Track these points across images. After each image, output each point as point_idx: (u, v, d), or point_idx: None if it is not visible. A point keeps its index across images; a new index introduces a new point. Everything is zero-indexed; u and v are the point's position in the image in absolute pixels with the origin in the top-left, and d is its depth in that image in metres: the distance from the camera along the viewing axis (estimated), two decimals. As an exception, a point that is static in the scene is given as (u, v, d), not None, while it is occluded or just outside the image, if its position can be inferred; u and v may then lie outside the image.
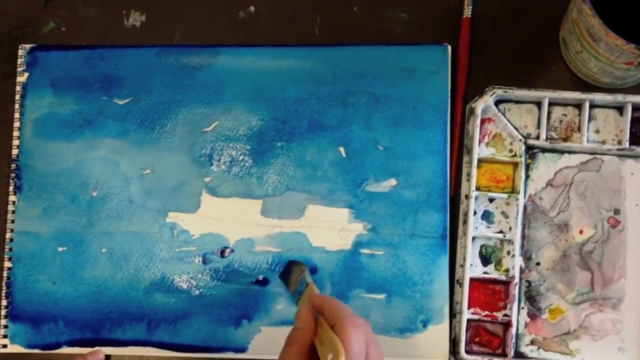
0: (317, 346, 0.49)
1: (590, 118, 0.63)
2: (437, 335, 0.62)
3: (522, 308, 0.63)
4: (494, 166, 0.64)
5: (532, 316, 0.62)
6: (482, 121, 0.63)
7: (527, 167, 0.64)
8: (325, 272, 0.64)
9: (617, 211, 0.63)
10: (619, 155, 0.63)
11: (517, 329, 0.62)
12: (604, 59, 0.58)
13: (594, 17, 0.54)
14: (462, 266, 0.62)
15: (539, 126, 0.64)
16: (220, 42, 0.67)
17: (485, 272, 0.63)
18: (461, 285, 0.62)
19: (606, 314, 0.62)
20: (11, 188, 0.66)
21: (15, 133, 0.67)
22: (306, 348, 0.49)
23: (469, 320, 0.62)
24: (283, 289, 0.62)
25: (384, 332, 0.63)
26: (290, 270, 0.59)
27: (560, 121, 0.64)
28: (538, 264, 0.63)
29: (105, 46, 0.68)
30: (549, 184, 0.63)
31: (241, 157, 0.65)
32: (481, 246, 0.63)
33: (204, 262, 0.64)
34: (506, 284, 0.63)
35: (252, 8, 0.68)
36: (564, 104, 0.64)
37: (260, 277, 0.64)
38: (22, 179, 0.66)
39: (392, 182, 0.64)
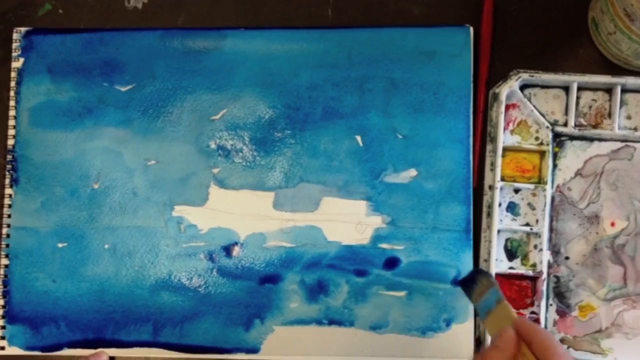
0: None
1: (622, 103, 0.61)
2: (461, 335, 0.60)
3: (551, 305, 0.60)
4: (520, 155, 0.62)
5: (561, 314, 0.60)
6: (507, 107, 0.61)
7: (555, 156, 0.61)
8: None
9: (650, 202, 0.61)
10: (652, 143, 0.61)
11: (546, 327, 0.60)
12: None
13: (634, -6, 0.51)
14: (487, 261, 0.60)
15: (567, 112, 0.61)
16: (227, 25, 0.65)
17: (511, 268, 0.61)
18: None
19: (640, 311, 0.60)
20: (7, 181, 0.64)
21: (11, 122, 0.64)
22: None
23: None
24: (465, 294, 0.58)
25: (405, 331, 0.61)
26: (476, 280, 0.55)
27: (590, 107, 0.62)
28: (567, 258, 0.61)
29: (105, 29, 0.65)
30: (578, 173, 0.61)
31: (251, 147, 0.63)
32: (506, 240, 0.61)
33: (213, 258, 0.62)
34: (533, 279, 0.60)
35: (261, -12, 0.65)
36: (594, 88, 0.61)
37: (273, 274, 0.62)
38: (19, 171, 0.64)
39: (412, 172, 0.62)
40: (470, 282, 0.56)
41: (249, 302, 0.61)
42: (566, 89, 0.61)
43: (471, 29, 0.62)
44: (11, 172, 0.64)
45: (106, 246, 0.63)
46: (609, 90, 0.61)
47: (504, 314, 0.51)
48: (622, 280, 0.60)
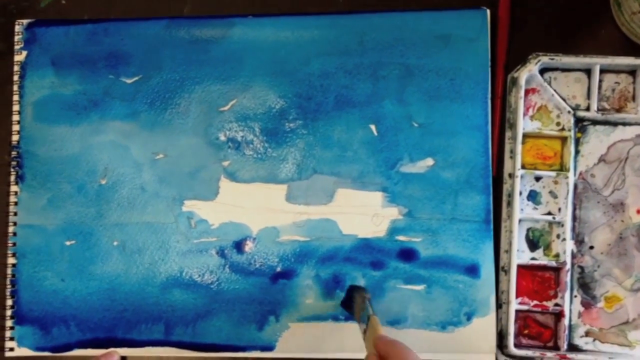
0: None
1: (646, 86, 0.59)
2: (482, 329, 0.59)
3: (575, 296, 0.59)
4: (540, 141, 0.60)
5: (586, 305, 0.59)
6: (526, 92, 0.59)
7: (577, 142, 0.59)
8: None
9: (678, 188, 0.59)
10: (679, 127, 0.59)
11: (570, 320, 0.58)
12: (666, 18, 0.53)
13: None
14: (508, 252, 0.59)
15: (589, 96, 0.60)
16: (235, 12, 0.63)
17: (533, 258, 0.59)
18: (507, 272, 0.58)
19: (668, 301, 0.58)
20: (12, 178, 0.63)
21: (15, 117, 0.63)
22: None
23: (516, 311, 0.58)
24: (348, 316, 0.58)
25: (424, 326, 0.59)
26: (352, 297, 0.55)
27: (613, 90, 0.60)
28: (591, 247, 0.59)
29: (109, 19, 0.64)
30: (602, 159, 0.59)
31: (262, 138, 0.61)
32: (528, 229, 0.60)
33: (225, 254, 0.61)
34: (557, 270, 0.59)
35: (269, -26, 0.64)
36: (617, 70, 0.60)
37: (287, 269, 0.60)
38: (24, 168, 0.62)
39: (429, 161, 0.60)
40: (349, 301, 0.56)
41: (263, 299, 0.60)
42: (588, 71, 0.59)
43: (488, 11, 0.60)
44: (16, 168, 0.62)
45: (115, 243, 0.61)
46: (632, 72, 0.59)
47: (374, 328, 0.50)
48: (649, 270, 0.58)
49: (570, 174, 0.59)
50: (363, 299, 0.53)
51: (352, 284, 0.59)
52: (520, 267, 0.59)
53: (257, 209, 0.61)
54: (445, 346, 0.58)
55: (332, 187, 0.60)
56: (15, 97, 0.63)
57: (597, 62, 0.58)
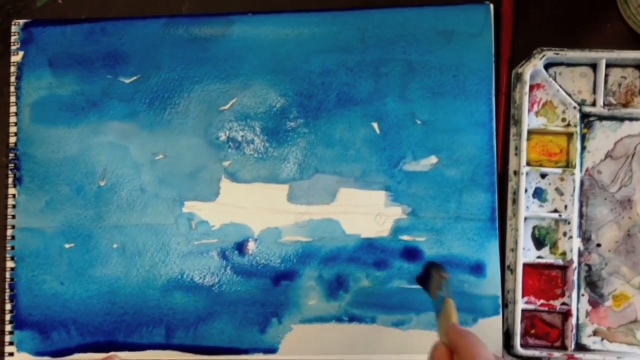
0: None
1: (654, 80, 0.59)
2: (488, 329, 0.58)
3: (583, 295, 0.58)
4: (546, 138, 0.59)
5: (594, 304, 0.58)
6: (531, 88, 0.59)
7: (583, 138, 0.59)
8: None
9: (686, 184, 0.58)
10: (687, 121, 0.58)
11: (578, 319, 0.58)
12: (673, 11, 0.52)
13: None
14: (514, 251, 0.58)
15: (595, 91, 0.59)
16: (235, 10, 0.62)
17: (540, 257, 0.58)
18: (513, 272, 0.58)
19: (678, 300, 0.57)
20: (10, 180, 0.62)
21: (13, 119, 0.63)
22: None
23: (523, 311, 0.57)
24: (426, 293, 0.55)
25: (429, 327, 0.58)
26: (429, 274, 0.52)
27: (620, 85, 0.59)
28: (599, 245, 0.58)
29: (107, 19, 0.63)
30: (609, 155, 0.59)
31: (263, 138, 0.61)
32: (534, 228, 0.59)
33: (226, 255, 0.60)
34: (564, 269, 0.58)
35: (268, -29, 0.63)
36: (624, 65, 0.59)
37: (290, 271, 0.59)
38: (22, 170, 0.62)
39: (433, 160, 0.59)
40: (426, 277, 0.54)
41: (266, 301, 0.59)
42: (594, 66, 0.59)
43: (491, 6, 0.60)
44: (14, 171, 0.62)
45: (115, 246, 0.61)
46: (639, 66, 0.58)
47: (448, 313, 0.48)
48: (658, 268, 0.58)
49: (577, 170, 0.58)
50: (441, 278, 0.51)
51: (430, 260, 0.57)
52: (527, 266, 0.58)
53: (258, 209, 0.60)
54: (451, 347, 0.58)
55: (335, 186, 0.60)
56: (13, 99, 0.62)
57: (603, 56, 0.57)
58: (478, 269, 0.58)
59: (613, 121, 0.58)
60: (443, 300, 0.49)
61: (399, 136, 0.59)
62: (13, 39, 0.63)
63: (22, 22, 0.63)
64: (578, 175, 0.58)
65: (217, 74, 0.61)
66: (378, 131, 0.60)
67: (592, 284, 0.58)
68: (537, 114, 0.59)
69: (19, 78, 0.62)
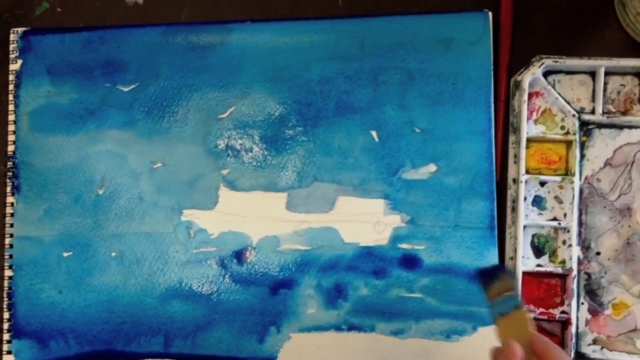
0: None
1: (653, 88, 0.58)
2: (488, 338, 0.57)
3: (582, 304, 0.58)
4: (545, 146, 0.59)
5: (594, 312, 0.58)
6: (530, 96, 0.59)
7: (582, 146, 0.58)
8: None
9: (686, 192, 0.58)
10: (686, 129, 0.58)
11: (577, 328, 0.57)
12: (672, 19, 0.52)
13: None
14: (513, 259, 0.58)
15: (594, 99, 0.59)
16: (233, 18, 0.63)
17: (539, 265, 0.58)
18: None
19: (677, 308, 0.57)
20: (8, 189, 0.62)
21: (11, 127, 0.63)
22: None
23: None
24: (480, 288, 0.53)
25: (429, 335, 0.58)
26: (497, 276, 0.51)
27: (618, 92, 0.59)
28: (598, 253, 0.58)
29: (105, 27, 0.63)
30: (608, 163, 0.58)
31: (262, 146, 0.61)
32: (533, 236, 0.59)
33: (225, 264, 0.60)
34: (563, 277, 0.58)
35: (267, -21, 0.63)
36: (622, 73, 0.59)
37: (288, 279, 0.59)
38: (20, 178, 0.62)
39: (432, 167, 0.59)
40: (491, 276, 0.52)
41: (264, 309, 0.59)
42: (592, 74, 0.59)
43: (490, 14, 0.60)
44: (12, 179, 0.62)
45: (113, 254, 0.61)
46: (638, 74, 0.58)
47: (520, 322, 0.48)
48: (657, 276, 0.57)
49: (576, 178, 0.58)
50: (512, 287, 0.50)
51: (503, 264, 0.58)
52: (526, 274, 0.58)
53: (257, 217, 0.60)
54: (450, 356, 0.58)
55: (333, 194, 0.60)
56: (11, 107, 0.63)
57: (602, 64, 0.57)
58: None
59: (612, 129, 0.58)
60: (515, 306, 0.48)
61: (397, 144, 0.59)
62: (11, 47, 0.63)
63: (20, 30, 0.63)
64: (577, 183, 0.58)
65: (215, 82, 0.61)
66: (376, 139, 0.59)
67: (592, 292, 0.58)
68: (535, 121, 0.59)
69: (17, 86, 0.62)
